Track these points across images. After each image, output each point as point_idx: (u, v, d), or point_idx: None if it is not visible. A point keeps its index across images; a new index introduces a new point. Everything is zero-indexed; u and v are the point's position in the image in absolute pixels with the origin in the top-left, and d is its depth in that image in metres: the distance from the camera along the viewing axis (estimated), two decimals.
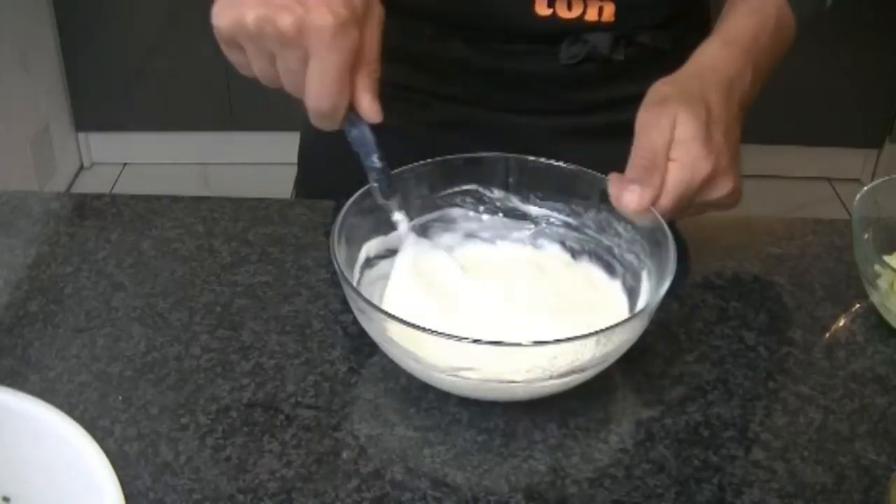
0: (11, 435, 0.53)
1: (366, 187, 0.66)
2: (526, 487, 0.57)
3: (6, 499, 0.53)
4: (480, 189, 0.73)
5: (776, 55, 0.77)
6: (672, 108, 0.67)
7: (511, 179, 0.72)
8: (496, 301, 0.67)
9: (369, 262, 0.68)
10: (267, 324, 0.68)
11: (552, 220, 0.73)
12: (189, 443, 0.59)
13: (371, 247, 0.69)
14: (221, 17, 0.61)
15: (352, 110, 0.63)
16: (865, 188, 0.72)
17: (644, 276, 0.66)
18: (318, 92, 0.61)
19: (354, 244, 0.67)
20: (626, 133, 0.75)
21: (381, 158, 0.65)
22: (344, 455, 0.58)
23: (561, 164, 0.71)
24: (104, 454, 0.51)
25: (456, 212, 0.73)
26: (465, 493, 0.56)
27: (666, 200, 0.65)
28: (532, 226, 0.73)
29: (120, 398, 0.62)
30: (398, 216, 0.68)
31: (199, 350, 0.66)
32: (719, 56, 0.73)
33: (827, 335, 0.69)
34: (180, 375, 0.64)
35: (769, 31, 0.76)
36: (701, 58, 0.74)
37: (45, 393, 0.61)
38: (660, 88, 0.71)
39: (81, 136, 2.64)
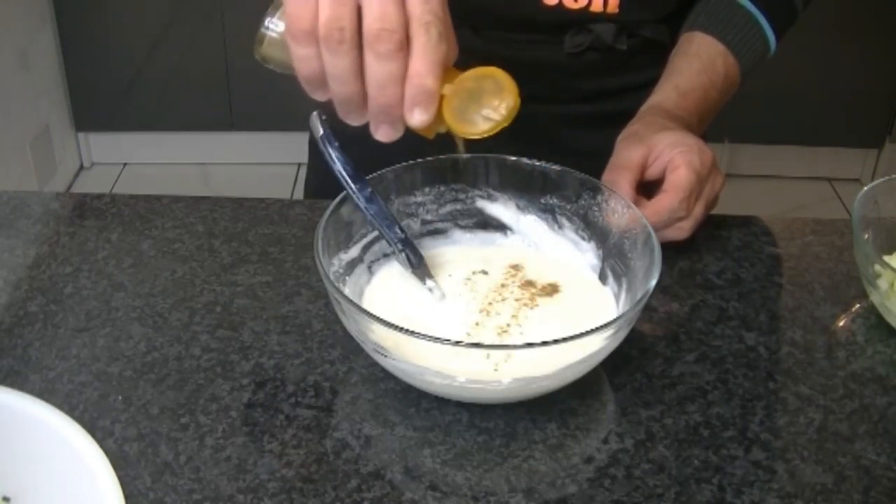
0: (11, 435, 0.53)
1: (343, 194, 0.66)
2: (526, 487, 0.57)
3: (6, 499, 0.53)
4: (467, 188, 0.72)
5: (721, 104, 0.86)
6: (648, 138, 0.75)
7: (495, 180, 0.72)
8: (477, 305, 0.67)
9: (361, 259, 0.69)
10: (267, 324, 0.68)
11: (539, 220, 0.72)
12: (189, 443, 0.59)
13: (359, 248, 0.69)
14: None
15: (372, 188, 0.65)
16: (865, 188, 0.73)
17: (630, 277, 0.66)
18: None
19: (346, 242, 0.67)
20: (626, 120, 0.79)
21: (402, 230, 0.66)
22: (344, 455, 0.58)
23: (546, 164, 0.71)
24: (104, 454, 0.51)
25: (441, 215, 0.73)
26: (465, 493, 0.56)
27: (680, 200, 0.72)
28: (518, 226, 0.73)
29: (120, 398, 0.62)
30: (430, 283, 0.68)
31: (199, 350, 0.66)
32: (679, 104, 0.81)
33: (827, 335, 0.69)
34: (180, 375, 0.64)
35: (717, 87, 0.84)
36: (661, 103, 0.82)
37: (45, 393, 0.61)
38: (629, 128, 0.78)
39: (81, 136, 2.64)
